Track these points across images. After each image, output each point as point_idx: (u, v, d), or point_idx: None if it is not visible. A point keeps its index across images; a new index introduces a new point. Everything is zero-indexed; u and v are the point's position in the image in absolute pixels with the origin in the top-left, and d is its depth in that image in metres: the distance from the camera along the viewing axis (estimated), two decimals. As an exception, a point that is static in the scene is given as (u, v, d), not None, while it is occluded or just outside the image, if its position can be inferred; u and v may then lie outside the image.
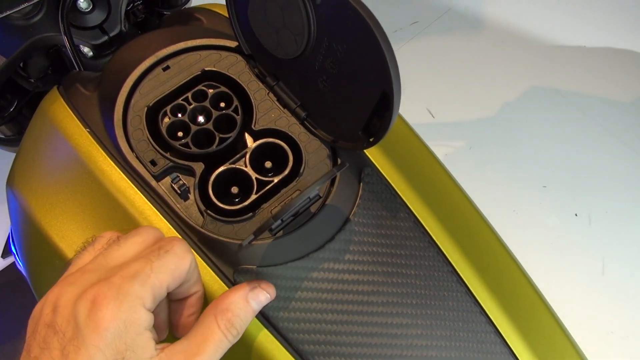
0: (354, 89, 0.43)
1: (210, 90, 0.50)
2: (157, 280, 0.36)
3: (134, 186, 0.48)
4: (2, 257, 1.22)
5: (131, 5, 0.66)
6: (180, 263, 0.38)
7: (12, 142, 0.82)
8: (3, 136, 0.81)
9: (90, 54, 0.63)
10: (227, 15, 0.57)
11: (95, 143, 0.49)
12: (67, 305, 0.35)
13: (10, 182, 0.54)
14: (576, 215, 1.66)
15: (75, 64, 0.60)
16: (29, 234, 0.53)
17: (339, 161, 0.48)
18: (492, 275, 0.49)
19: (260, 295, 0.42)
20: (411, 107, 1.82)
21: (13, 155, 0.76)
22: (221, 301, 0.40)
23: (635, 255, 1.59)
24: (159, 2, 0.78)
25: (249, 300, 0.41)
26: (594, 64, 1.91)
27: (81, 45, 0.63)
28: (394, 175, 0.49)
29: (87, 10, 0.61)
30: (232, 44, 0.52)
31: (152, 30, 0.61)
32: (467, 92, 1.85)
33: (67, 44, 0.59)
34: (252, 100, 0.50)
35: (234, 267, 0.45)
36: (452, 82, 1.86)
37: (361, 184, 0.48)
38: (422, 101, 1.83)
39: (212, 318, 0.39)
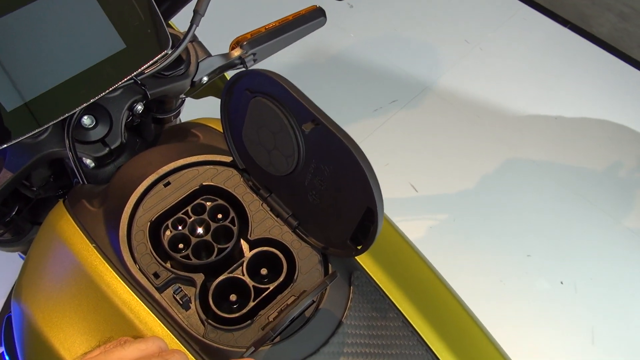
0: (340, 203, 0.47)
1: (209, 204, 0.54)
2: None
3: (137, 298, 0.51)
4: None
5: (130, 119, 0.71)
6: None
7: (10, 243, 0.84)
8: (2, 238, 0.83)
9: (92, 165, 0.67)
10: (221, 131, 0.62)
11: (101, 258, 0.52)
12: None
13: (17, 294, 0.57)
14: (562, 283, 1.69)
15: (79, 178, 0.63)
16: (34, 345, 0.55)
17: (330, 267, 0.52)
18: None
19: None
20: (395, 183, 1.88)
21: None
22: None
23: (623, 322, 1.61)
24: (154, 108, 0.83)
25: None
26: (566, 133, 2.00)
27: (83, 158, 0.67)
28: (381, 277, 0.52)
29: (90, 127, 0.66)
30: (227, 159, 0.57)
31: (149, 140, 0.65)
32: (448, 166, 1.92)
33: (71, 159, 0.63)
34: (248, 211, 0.54)
35: None
36: (432, 156, 1.93)
37: (351, 287, 0.51)
38: (405, 176, 1.89)
39: None
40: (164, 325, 0.50)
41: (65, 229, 0.54)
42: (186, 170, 0.56)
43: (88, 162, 0.67)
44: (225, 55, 0.80)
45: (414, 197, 1.86)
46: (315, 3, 0.88)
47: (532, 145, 1.96)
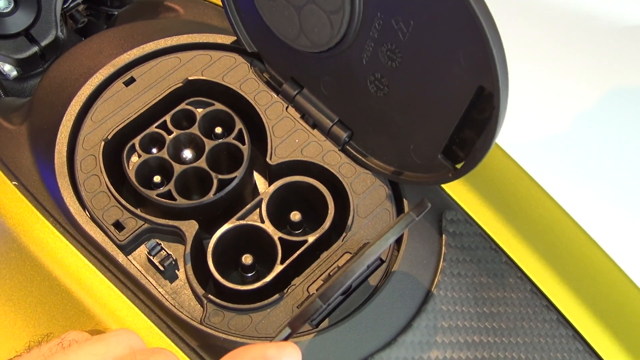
0: (427, 89, 0.30)
1: (199, 110, 0.36)
2: None
3: (90, 264, 0.34)
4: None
5: (69, 2, 0.51)
6: None
7: None
8: None
9: (14, 72, 0.48)
10: (214, 2, 0.43)
11: (27, 200, 0.35)
12: None
13: None
14: None
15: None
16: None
17: (406, 205, 0.33)
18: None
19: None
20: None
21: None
22: None
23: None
24: (107, 0, 0.62)
25: None
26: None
27: (0, 62, 0.47)
28: (492, 220, 0.34)
29: (6, 11, 0.46)
30: (228, 39, 0.39)
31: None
32: (536, 100, 1.71)
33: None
34: (264, 120, 0.36)
35: None
36: (517, 85, 1.70)
37: (444, 236, 0.33)
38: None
39: None
40: (136, 306, 0.33)
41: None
42: (160, 59, 0.38)
43: (7, 68, 0.48)
44: None
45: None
46: None
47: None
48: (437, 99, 0.29)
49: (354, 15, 0.30)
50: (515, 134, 1.53)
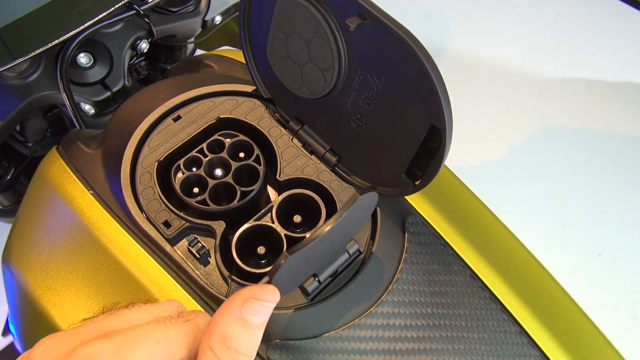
0: (394, 126, 0.38)
1: (228, 140, 0.45)
2: (167, 349, 0.30)
3: (145, 252, 0.42)
4: (2, 335, 1.14)
5: (134, 59, 0.62)
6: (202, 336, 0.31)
7: (10, 212, 0.76)
8: (1, 207, 0.75)
9: (92, 111, 0.59)
10: (240, 61, 0.52)
11: (100, 206, 0.44)
12: None
13: (5, 257, 0.48)
14: (600, 255, 1.58)
15: (76, 123, 0.55)
16: (28, 314, 0.47)
17: (379, 212, 0.42)
18: (566, 333, 0.42)
19: (258, 308, 0.32)
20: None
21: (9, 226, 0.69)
22: (214, 327, 0.31)
23: (668, 295, 1.51)
24: (163, 58, 0.74)
25: (246, 320, 0.31)
26: (602, 97, 1.88)
27: (82, 103, 0.58)
28: (441, 223, 0.43)
29: (87, 66, 0.57)
30: (249, 88, 0.48)
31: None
32: (475, 136, 1.81)
33: (66, 102, 0.54)
34: (275, 148, 0.45)
35: (266, 343, 0.38)
36: (458, 127, 1.82)
37: (406, 234, 0.42)
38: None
39: (211, 355, 0.30)
40: (179, 284, 0.41)
41: (57, 175, 0.46)
42: (200, 102, 0.46)
43: (87, 108, 0.59)
44: (240, -10, 0.71)
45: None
46: None
47: (562, 112, 1.85)
48: (402, 133, 0.37)
49: (341, 72, 0.38)
50: (459, 158, 1.67)
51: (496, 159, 1.76)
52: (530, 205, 1.66)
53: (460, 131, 1.77)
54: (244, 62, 0.46)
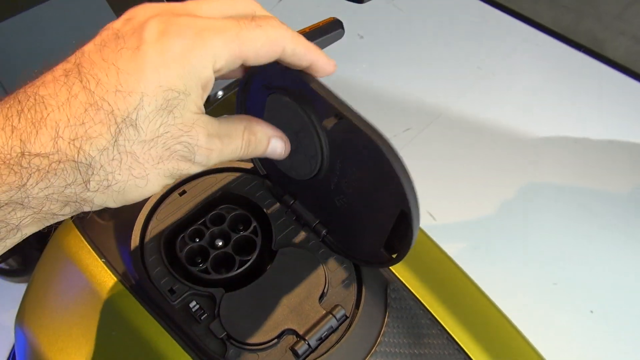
0: (371, 208, 0.42)
1: (228, 213, 0.49)
2: (238, 49, 0.32)
3: (151, 317, 0.46)
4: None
5: None
6: (270, 48, 0.33)
7: (16, 272, 0.80)
8: (8, 267, 0.79)
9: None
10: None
11: (111, 273, 0.48)
12: (142, 19, 0.30)
13: (19, 319, 0.52)
14: (592, 312, 1.61)
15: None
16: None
17: (363, 278, 0.46)
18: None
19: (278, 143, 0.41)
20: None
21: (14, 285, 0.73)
22: (255, 123, 0.38)
23: (661, 352, 1.53)
24: None
25: (270, 139, 0.40)
26: (586, 157, 1.94)
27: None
28: (420, 289, 0.47)
29: None
30: (247, 165, 0.53)
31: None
32: (466, 193, 1.87)
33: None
34: (270, 220, 0.49)
35: None
36: (450, 183, 1.88)
37: (388, 300, 0.46)
38: (422, 205, 1.82)
39: (242, 128, 0.36)
40: (181, 345, 0.45)
41: (72, 244, 0.50)
42: (203, 178, 0.51)
43: None
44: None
45: (432, 225, 1.80)
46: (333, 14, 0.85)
47: (552, 171, 1.91)
48: (378, 215, 0.42)
49: (324, 160, 0.43)
50: (451, 216, 1.74)
51: (488, 216, 1.81)
52: (522, 262, 1.70)
53: (451, 188, 1.83)
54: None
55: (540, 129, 2.00)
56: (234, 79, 0.78)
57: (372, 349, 0.44)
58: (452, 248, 1.86)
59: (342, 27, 0.86)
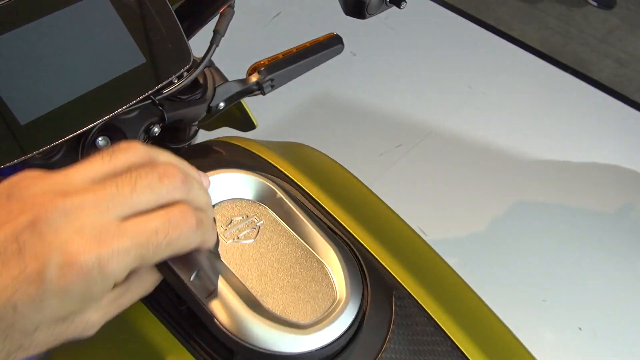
0: None
1: None
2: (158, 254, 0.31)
3: (160, 322, 0.46)
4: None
5: (145, 142, 0.68)
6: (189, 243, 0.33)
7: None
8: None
9: (106, 189, 0.64)
10: (243, 147, 0.58)
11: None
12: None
13: None
14: (580, 329, 1.62)
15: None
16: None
17: (368, 283, 0.47)
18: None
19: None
20: (403, 227, 1.84)
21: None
22: None
23: (648, 369, 1.55)
24: (168, 138, 0.80)
25: None
26: (574, 177, 1.98)
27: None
28: (424, 297, 0.48)
29: (104, 148, 0.63)
30: (259, 176, 0.53)
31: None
32: (457, 210, 1.89)
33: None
34: None
35: None
36: (441, 200, 1.90)
37: (393, 307, 0.47)
38: (413, 220, 1.84)
39: None
40: (190, 352, 0.45)
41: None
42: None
43: None
44: (242, 81, 0.78)
45: (423, 241, 1.81)
46: (333, 30, 0.87)
47: (540, 189, 1.94)
48: None
49: None
50: (444, 231, 1.75)
51: (478, 232, 1.83)
52: (511, 278, 1.71)
53: (442, 205, 1.85)
54: (250, 149, 0.52)
55: (528, 147, 2.04)
56: (235, 92, 0.79)
57: (377, 355, 0.44)
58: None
59: (342, 43, 0.88)
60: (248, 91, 0.79)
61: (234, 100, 0.80)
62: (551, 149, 2.04)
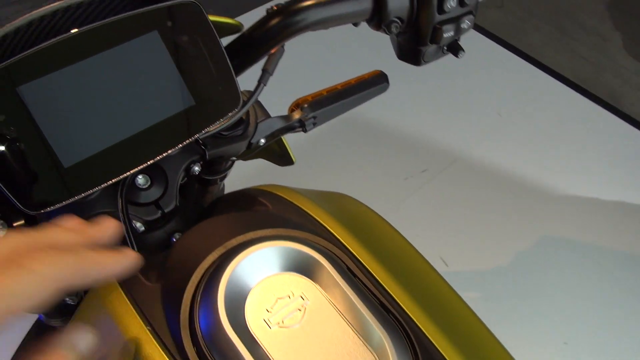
0: None
1: None
2: None
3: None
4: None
5: (184, 180, 0.66)
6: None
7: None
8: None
9: (142, 228, 0.61)
10: (290, 200, 0.55)
11: (155, 342, 0.45)
12: None
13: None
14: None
15: (129, 244, 0.57)
16: None
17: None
18: None
19: None
20: (425, 255, 1.80)
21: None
22: None
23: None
24: (203, 170, 0.78)
25: None
26: (603, 213, 1.93)
27: (133, 221, 0.61)
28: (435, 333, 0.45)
29: (144, 187, 0.60)
30: (305, 234, 0.50)
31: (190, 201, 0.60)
32: (480, 240, 1.85)
33: (123, 223, 0.57)
34: None
35: None
36: (464, 229, 1.87)
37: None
38: (436, 249, 1.82)
39: None
40: None
41: (116, 304, 0.48)
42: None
43: (138, 225, 0.61)
44: (285, 117, 0.75)
45: (444, 272, 1.77)
46: (378, 68, 0.84)
47: (568, 225, 1.89)
48: None
49: None
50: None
51: (501, 267, 1.78)
52: (533, 317, 1.67)
53: (465, 235, 1.80)
54: (295, 202, 0.49)
55: (557, 180, 1.99)
56: (277, 128, 0.76)
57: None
58: (464, 297, 1.84)
59: (387, 81, 0.85)
60: (290, 128, 0.76)
61: (275, 137, 0.77)
62: (579, 184, 1.99)
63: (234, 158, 0.77)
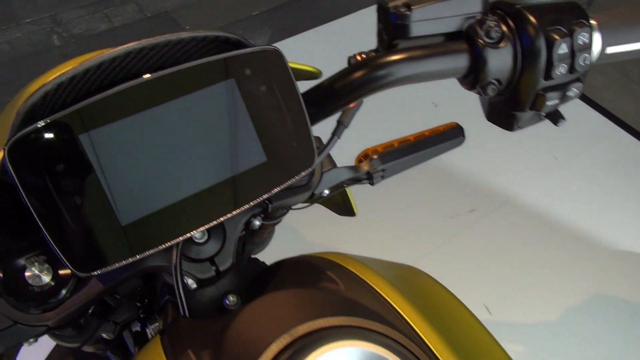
0: None
1: None
2: None
3: None
4: None
5: (243, 234, 0.60)
6: None
7: (70, 338, 0.73)
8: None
9: (194, 286, 0.56)
10: (360, 276, 0.50)
11: None
12: None
13: None
14: None
15: (180, 306, 0.52)
16: None
17: None
18: None
19: None
20: (467, 301, 1.72)
21: None
22: None
23: None
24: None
25: None
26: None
27: (185, 277, 0.56)
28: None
29: (201, 242, 0.55)
30: (384, 328, 0.44)
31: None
32: (527, 290, 1.75)
33: (175, 281, 0.52)
34: None
35: None
36: (511, 276, 1.78)
37: None
38: (479, 295, 1.73)
39: None
40: None
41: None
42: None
43: (190, 282, 0.56)
44: (352, 168, 0.70)
45: (487, 320, 1.68)
46: (454, 120, 0.78)
47: (621, 282, 1.78)
48: None
49: None
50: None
51: (549, 320, 1.68)
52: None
53: (511, 282, 1.71)
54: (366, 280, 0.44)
55: (613, 232, 1.88)
56: (343, 180, 0.70)
57: None
58: (507, 350, 1.73)
59: (463, 134, 0.78)
60: (356, 180, 0.71)
61: (339, 189, 0.72)
62: (637, 239, 1.88)
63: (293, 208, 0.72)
